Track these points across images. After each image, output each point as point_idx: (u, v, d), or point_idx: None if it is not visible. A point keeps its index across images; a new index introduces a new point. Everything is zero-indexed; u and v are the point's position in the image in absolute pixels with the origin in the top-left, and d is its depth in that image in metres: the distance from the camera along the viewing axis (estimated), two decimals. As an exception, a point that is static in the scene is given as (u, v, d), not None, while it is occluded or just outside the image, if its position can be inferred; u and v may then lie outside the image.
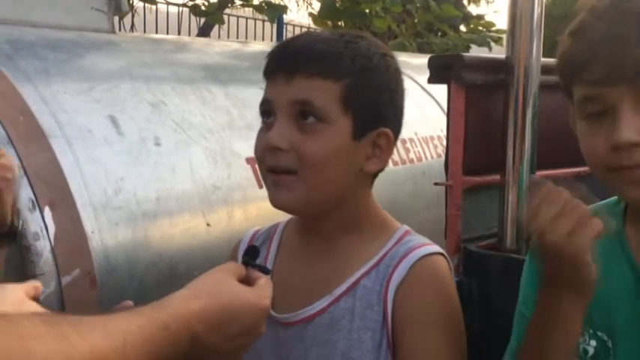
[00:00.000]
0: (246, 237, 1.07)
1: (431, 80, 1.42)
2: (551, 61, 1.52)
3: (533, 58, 1.38)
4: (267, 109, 0.92)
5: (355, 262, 0.94)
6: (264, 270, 0.85)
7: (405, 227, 0.97)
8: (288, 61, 0.90)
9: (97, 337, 0.60)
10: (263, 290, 0.80)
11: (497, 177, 1.44)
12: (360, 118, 0.90)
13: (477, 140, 1.43)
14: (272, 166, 0.90)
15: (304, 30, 7.94)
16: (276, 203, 0.92)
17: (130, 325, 0.63)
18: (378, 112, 0.92)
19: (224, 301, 0.75)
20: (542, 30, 1.38)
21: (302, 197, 0.90)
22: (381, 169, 0.94)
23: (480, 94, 1.42)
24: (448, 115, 1.41)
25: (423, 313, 0.89)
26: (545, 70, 1.41)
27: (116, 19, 2.26)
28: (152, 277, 1.41)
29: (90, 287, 1.29)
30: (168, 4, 5.18)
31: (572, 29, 0.82)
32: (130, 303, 0.95)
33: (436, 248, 0.93)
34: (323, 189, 0.91)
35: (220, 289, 0.76)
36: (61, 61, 1.55)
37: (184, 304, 0.70)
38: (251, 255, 0.87)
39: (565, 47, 0.83)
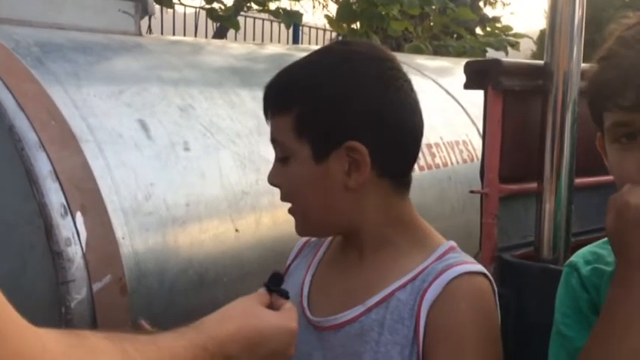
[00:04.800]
0: (300, 242, 1.11)
1: (467, 86, 1.39)
2: (589, 66, 1.50)
3: (573, 63, 1.34)
4: None
5: (391, 274, 0.92)
6: (282, 292, 0.89)
7: (450, 243, 0.94)
8: (263, 102, 0.97)
9: (152, 354, 0.65)
10: (290, 313, 0.84)
11: (534, 185, 1.41)
12: (315, 141, 0.90)
13: (514, 147, 1.40)
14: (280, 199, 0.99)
15: (320, 32, 7.93)
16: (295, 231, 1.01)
17: (176, 345, 0.69)
18: (335, 128, 0.90)
19: (254, 323, 0.79)
20: (583, 34, 1.35)
21: (301, 225, 0.97)
22: (364, 182, 0.91)
23: (518, 100, 1.39)
24: (484, 121, 1.38)
25: (457, 333, 0.86)
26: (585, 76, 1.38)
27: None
28: (182, 284, 1.39)
29: (121, 294, 1.27)
30: (185, 6, 5.19)
31: (603, 55, 0.83)
32: (145, 325, 1.02)
33: (478, 268, 0.90)
34: (312, 215, 0.95)
35: (250, 312, 0.81)
36: (90, 64, 1.54)
37: (219, 326, 0.76)
38: (274, 282, 0.90)
39: (596, 72, 0.84)
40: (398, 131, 0.92)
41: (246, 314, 0.80)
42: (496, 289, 0.95)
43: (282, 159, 0.94)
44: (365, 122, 0.90)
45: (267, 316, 0.82)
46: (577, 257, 0.93)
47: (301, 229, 0.98)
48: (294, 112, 0.90)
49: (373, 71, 0.92)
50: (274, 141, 0.95)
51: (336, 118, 0.90)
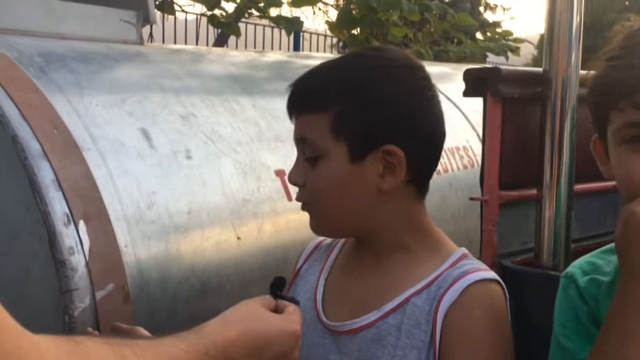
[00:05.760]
0: (310, 245, 1.11)
1: (466, 93, 1.40)
2: (586, 73, 1.50)
3: (571, 70, 1.35)
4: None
5: (406, 280, 0.93)
6: (294, 301, 0.89)
7: (463, 250, 0.96)
8: (290, 101, 0.95)
9: (151, 359, 0.64)
10: (293, 316, 0.84)
11: (534, 191, 1.41)
12: (354, 141, 0.90)
13: (514, 154, 1.41)
14: (297, 199, 0.98)
15: (321, 38, 7.94)
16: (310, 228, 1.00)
17: (177, 349, 0.68)
18: (374, 130, 0.91)
19: (257, 327, 0.78)
20: (581, 41, 1.36)
21: (320, 224, 0.96)
22: (397, 186, 0.92)
23: (517, 107, 1.40)
24: (484, 129, 1.39)
25: (472, 338, 0.88)
26: (584, 82, 1.38)
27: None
28: (184, 292, 1.40)
29: (124, 302, 1.28)
30: (186, 13, 5.21)
31: (613, 55, 0.81)
32: (122, 326, 1.04)
33: (492, 275, 0.92)
34: (336, 215, 0.94)
35: (252, 316, 0.80)
36: (92, 74, 1.55)
37: (221, 330, 0.75)
38: (278, 286, 0.90)
39: (604, 71, 0.82)
40: (430, 139, 0.95)
41: (249, 318, 0.79)
42: (508, 295, 0.96)
43: (312, 158, 0.92)
44: (404, 127, 0.92)
45: (271, 320, 0.81)
46: (573, 268, 0.92)
47: (317, 227, 0.97)
48: (334, 111, 0.90)
49: (408, 79, 0.94)
50: (303, 140, 0.93)
51: (377, 120, 0.91)
